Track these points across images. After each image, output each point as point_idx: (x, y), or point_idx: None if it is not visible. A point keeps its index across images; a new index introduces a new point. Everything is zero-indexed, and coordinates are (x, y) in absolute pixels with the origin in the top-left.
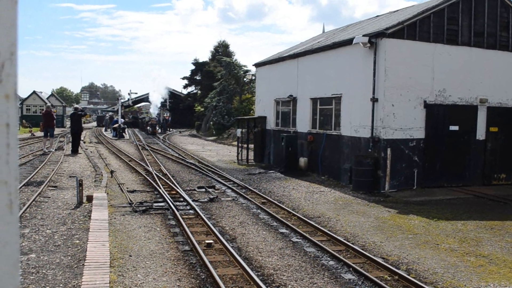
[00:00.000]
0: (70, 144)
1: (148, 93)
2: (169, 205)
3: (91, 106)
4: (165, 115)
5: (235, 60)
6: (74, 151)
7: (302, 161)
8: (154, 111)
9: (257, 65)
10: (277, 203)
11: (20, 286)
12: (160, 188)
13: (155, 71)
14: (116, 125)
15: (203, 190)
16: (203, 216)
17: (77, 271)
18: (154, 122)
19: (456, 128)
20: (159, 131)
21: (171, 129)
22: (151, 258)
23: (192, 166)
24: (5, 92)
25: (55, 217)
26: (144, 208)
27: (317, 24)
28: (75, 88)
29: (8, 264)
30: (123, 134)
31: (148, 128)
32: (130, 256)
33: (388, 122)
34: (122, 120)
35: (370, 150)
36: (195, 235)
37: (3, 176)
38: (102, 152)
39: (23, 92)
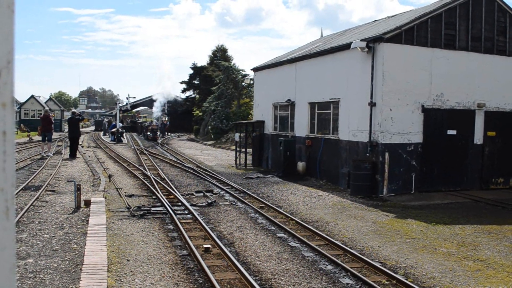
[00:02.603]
0: (68, 148)
1: (151, 96)
2: (167, 210)
3: (89, 110)
4: (163, 119)
5: (233, 64)
6: (72, 156)
7: (300, 165)
8: (157, 110)
9: (255, 69)
10: (275, 207)
11: None
12: (158, 192)
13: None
14: (114, 130)
15: (201, 194)
16: (201, 221)
17: (74, 275)
18: (154, 127)
19: (454, 132)
20: (160, 136)
21: (169, 134)
22: (149, 263)
23: (190, 171)
24: (2, 101)
25: (53, 222)
26: (142, 212)
27: (315, 29)
28: (73, 92)
29: (5, 269)
30: (122, 138)
31: (148, 133)
32: (128, 260)
33: (386, 127)
34: (121, 124)
35: (368, 154)
36: (193, 239)
37: (0, 183)
38: (100, 157)
39: (21, 96)
